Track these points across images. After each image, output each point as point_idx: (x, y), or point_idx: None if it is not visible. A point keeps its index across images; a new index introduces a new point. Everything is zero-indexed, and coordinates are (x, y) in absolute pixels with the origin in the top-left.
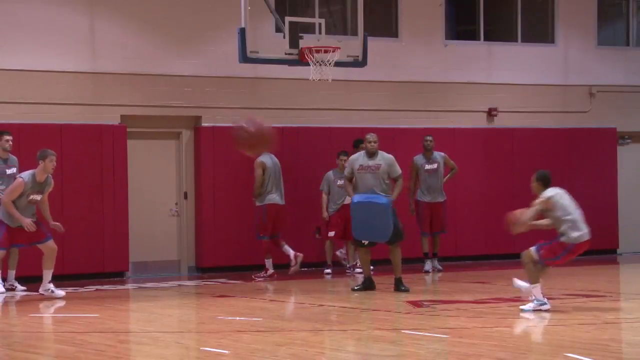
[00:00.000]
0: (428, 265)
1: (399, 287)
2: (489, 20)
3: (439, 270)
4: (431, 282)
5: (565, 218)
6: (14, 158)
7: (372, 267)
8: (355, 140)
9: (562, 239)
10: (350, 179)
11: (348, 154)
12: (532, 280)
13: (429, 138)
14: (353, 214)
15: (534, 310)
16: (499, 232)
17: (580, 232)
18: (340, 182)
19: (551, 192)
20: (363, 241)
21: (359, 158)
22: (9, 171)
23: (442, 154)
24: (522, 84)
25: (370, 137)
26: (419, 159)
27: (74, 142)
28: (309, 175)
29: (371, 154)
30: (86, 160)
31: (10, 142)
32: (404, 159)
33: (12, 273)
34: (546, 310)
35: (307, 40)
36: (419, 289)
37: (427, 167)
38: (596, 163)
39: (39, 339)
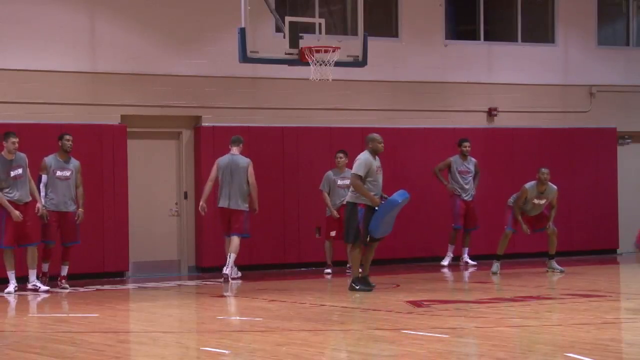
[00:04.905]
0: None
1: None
2: (489, 20)
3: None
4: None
5: None
6: (21, 156)
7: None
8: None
9: None
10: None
11: (346, 153)
12: None
13: (546, 171)
14: (387, 212)
15: None
16: (499, 231)
17: None
18: (340, 182)
19: None
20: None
21: (372, 160)
22: (13, 173)
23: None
24: (522, 84)
25: (379, 137)
26: (532, 190)
27: (74, 142)
28: (309, 175)
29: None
30: (86, 160)
31: (17, 145)
32: (403, 159)
33: (32, 272)
34: None
35: (307, 40)
36: (419, 289)
37: (536, 201)
38: (596, 163)
39: (39, 339)
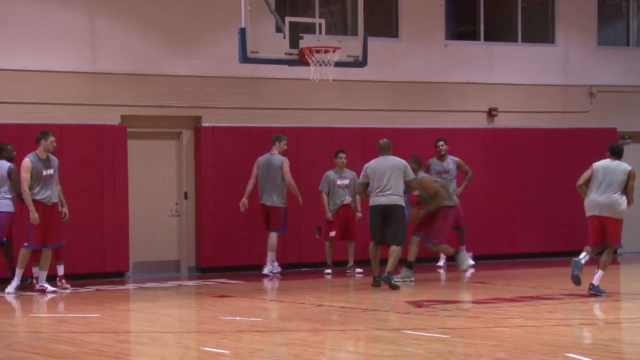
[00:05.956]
0: None
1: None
2: (489, 20)
3: None
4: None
5: None
6: (53, 157)
7: None
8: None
9: None
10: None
11: (346, 153)
12: None
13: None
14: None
15: None
16: (499, 232)
17: None
18: (340, 182)
19: None
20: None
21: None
22: (45, 172)
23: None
24: (522, 84)
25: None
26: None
27: (74, 142)
28: (309, 175)
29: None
30: (86, 160)
31: (55, 144)
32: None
33: (43, 274)
34: None
35: (307, 40)
36: (419, 289)
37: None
38: None
39: (39, 339)
